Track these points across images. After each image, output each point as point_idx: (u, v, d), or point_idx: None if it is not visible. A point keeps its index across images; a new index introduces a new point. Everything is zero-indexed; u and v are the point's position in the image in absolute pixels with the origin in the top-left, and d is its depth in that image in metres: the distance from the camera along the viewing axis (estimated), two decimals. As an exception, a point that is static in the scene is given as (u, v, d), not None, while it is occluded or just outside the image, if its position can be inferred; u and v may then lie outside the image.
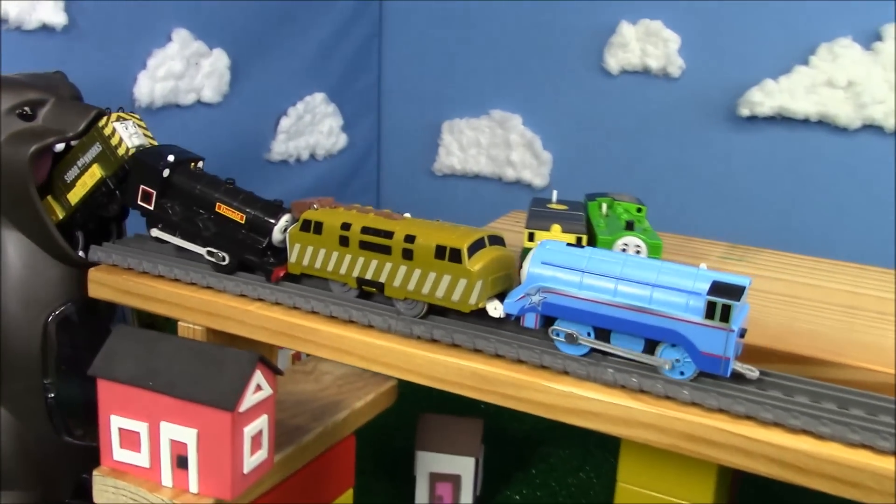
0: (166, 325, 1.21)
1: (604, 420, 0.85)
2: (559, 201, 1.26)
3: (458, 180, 2.62)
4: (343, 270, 0.99)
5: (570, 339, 0.89)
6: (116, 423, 0.97)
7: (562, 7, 2.34)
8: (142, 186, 1.11)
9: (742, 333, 0.84)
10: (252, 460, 0.96)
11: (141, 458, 0.97)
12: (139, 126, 1.16)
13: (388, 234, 0.95)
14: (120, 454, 0.98)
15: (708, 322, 0.81)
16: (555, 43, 2.38)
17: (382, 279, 0.96)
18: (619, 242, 1.12)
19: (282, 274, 1.05)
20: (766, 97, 2.08)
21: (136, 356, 0.97)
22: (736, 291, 0.81)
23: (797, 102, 2.05)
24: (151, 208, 1.11)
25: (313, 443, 1.09)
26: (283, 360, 1.34)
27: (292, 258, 1.03)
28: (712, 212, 2.17)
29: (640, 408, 0.84)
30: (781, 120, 2.10)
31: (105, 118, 1.14)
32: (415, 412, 1.39)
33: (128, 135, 1.13)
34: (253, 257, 1.06)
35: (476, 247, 0.92)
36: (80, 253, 1.18)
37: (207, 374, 0.93)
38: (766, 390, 0.84)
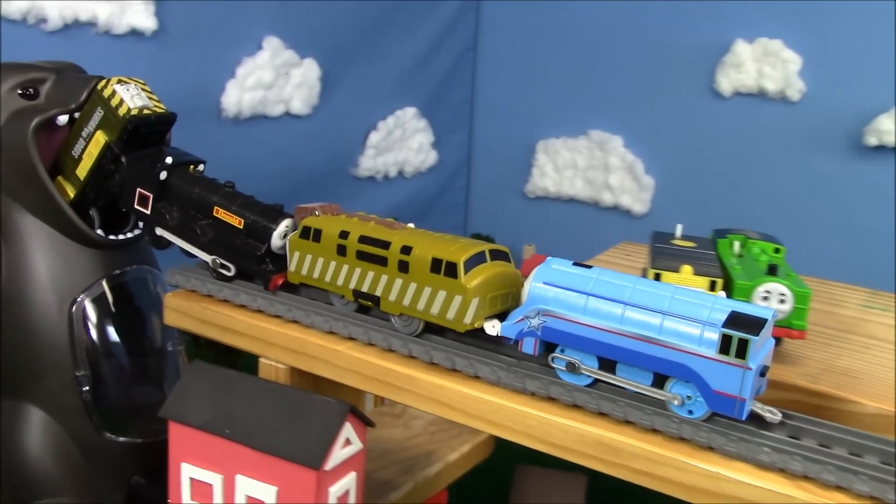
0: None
1: (758, 510, 0.71)
2: (684, 237, 1.12)
3: (551, 203, 2.50)
4: (340, 281, 0.93)
5: (571, 368, 0.80)
6: (188, 471, 0.88)
7: (671, 23, 2.20)
8: (138, 189, 1.05)
9: (763, 371, 0.75)
10: (336, 524, 0.84)
11: (213, 514, 0.86)
12: (143, 89, 1.10)
13: (385, 245, 0.89)
14: (190, 507, 0.88)
15: (722, 357, 0.72)
16: (661, 60, 2.24)
17: (378, 292, 0.90)
18: (760, 289, 0.97)
19: (280, 282, 0.98)
20: (898, 125, 1.91)
21: (211, 398, 0.87)
22: (755, 324, 0.72)
23: (933, 132, 1.88)
24: (148, 212, 1.05)
25: (403, 501, 0.97)
26: (367, 399, 1.23)
27: (291, 266, 0.97)
28: (834, 250, 1.99)
29: (804, 498, 0.69)
30: (914, 151, 1.92)
31: (105, 81, 1.09)
32: (511, 460, 1.26)
33: (129, 96, 1.07)
34: (250, 264, 1.00)
35: (475, 261, 0.85)
36: (99, 231, 1.13)
37: (291, 424, 0.83)
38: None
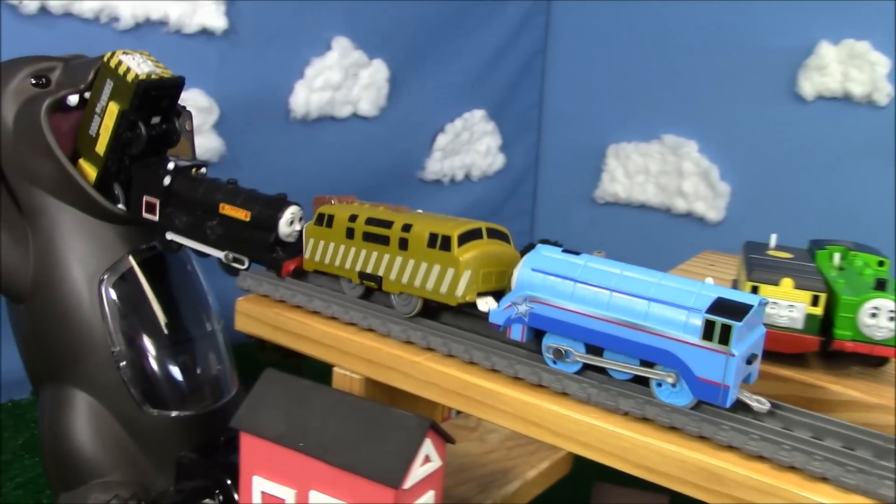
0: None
1: (882, 551, 0.65)
2: (779, 247, 1.06)
3: (621, 209, 2.43)
4: (348, 264, 0.96)
5: (559, 354, 0.81)
6: (259, 485, 0.84)
7: (750, 23, 2.12)
8: (145, 197, 1.09)
9: (751, 359, 0.75)
10: (414, 545, 0.80)
11: (285, 531, 0.82)
12: (148, 58, 1.12)
13: (388, 224, 0.92)
14: (261, 522, 0.84)
15: (705, 343, 0.72)
16: (740, 62, 2.16)
17: (381, 272, 0.92)
18: (868, 306, 0.91)
19: (292, 268, 1.00)
20: None
21: (286, 409, 0.83)
22: (739, 310, 0.72)
23: None
24: (157, 219, 1.08)
25: (480, 520, 0.92)
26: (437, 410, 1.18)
27: (307, 254, 1.00)
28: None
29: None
30: None
31: (110, 54, 1.10)
32: (587, 476, 1.21)
33: (135, 63, 1.09)
34: (262, 254, 1.01)
35: (470, 236, 0.87)
36: (121, 206, 1.13)
37: (368, 439, 0.79)
38: None
